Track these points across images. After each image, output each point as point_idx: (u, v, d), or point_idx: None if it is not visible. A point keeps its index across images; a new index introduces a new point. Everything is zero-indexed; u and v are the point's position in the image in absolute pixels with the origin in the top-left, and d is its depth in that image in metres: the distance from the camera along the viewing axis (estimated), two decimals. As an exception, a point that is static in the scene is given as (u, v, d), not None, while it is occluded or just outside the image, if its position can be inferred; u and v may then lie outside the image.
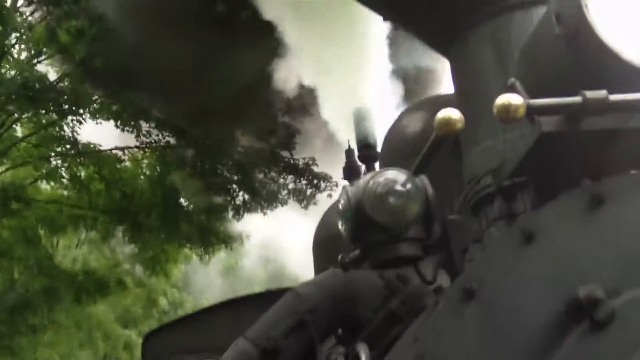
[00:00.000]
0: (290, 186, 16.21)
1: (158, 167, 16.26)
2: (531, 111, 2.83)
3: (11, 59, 14.68)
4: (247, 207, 16.35)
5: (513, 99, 2.81)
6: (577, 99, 2.80)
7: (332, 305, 3.76)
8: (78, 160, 15.76)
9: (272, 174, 16.06)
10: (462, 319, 2.74)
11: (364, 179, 3.14)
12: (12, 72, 14.58)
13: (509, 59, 3.65)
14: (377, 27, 5.48)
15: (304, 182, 16.01)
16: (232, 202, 16.34)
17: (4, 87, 13.57)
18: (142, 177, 16.65)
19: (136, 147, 16.23)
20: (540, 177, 3.15)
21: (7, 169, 16.03)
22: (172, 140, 15.89)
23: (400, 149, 4.59)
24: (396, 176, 3.09)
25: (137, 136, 15.78)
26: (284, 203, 16.25)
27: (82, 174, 16.02)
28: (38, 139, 15.74)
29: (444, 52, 4.13)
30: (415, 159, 3.47)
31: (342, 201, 3.15)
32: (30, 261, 16.05)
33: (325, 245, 5.56)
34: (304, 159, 15.77)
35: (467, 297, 2.74)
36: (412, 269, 3.28)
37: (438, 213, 3.11)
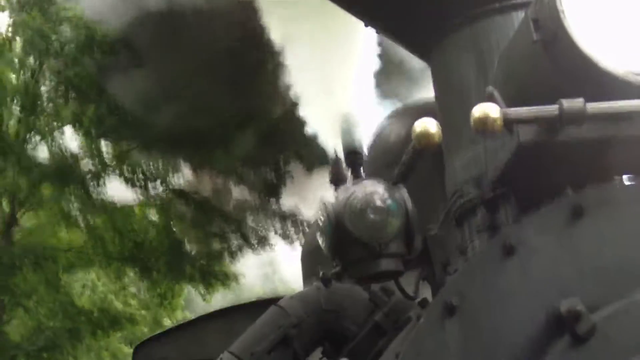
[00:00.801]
0: (279, 231, 19.11)
1: (164, 220, 19.15)
2: (509, 122, 2.79)
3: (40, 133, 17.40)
4: (241, 252, 19.30)
5: (490, 110, 2.76)
6: (554, 108, 2.76)
7: (316, 319, 3.72)
8: (94, 214, 18.32)
9: (262, 220, 19.17)
10: (443, 334, 2.71)
11: (343, 194, 3.10)
12: (38, 138, 17.17)
13: (489, 65, 3.60)
14: (363, 32, 5.44)
15: (290, 226, 18.96)
16: (228, 248, 19.20)
17: (39, 170, 16.53)
18: (150, 228, 19.24)
19: (144, 203, 18.98)
20: (521, 187, 3.11)
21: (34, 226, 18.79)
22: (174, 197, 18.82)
23: (384, 155, 4.56)
24: (375, 190, 3.05)
25: (146, 195, 18.55)
26: (271, 247, 19.47)
27: (98, 222, 18.51)
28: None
29: (426, 58, 4.10)
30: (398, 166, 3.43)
31: (322, 217, 3.12)
32: (55, 305, 18.46)
33: (313, 256, 5.51)
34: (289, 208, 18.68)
35: (449, 312, 2.71)
36: (392, 284, 3.25)
37: (418, 227, 3.08)
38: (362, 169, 5.90)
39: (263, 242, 19.16)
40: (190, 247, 19.47)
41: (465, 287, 2.73)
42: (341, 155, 6.28)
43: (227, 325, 5.33)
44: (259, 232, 19.11)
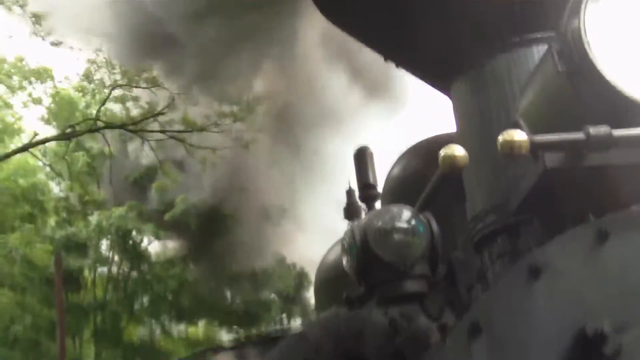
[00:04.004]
0: None
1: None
2: (535, 147, 2.83)
3: None
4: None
5: (517, 135, 2.81)
6: (580, 134, 2.81)
7: (336, 344, 3.70)
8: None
9: None
10: (470, 355, 2.72)
11: (368, 216, 3.13)
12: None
13: (510, 97, 3.67)
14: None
15: None
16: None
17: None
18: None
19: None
20: (544, 213, 3.14)
21: None
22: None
23: (401, 188, 4.59)
24: (401, 213, 3.07)
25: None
26: None
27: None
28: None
29: (446, 91, 4.16)
30: (416, 198, 3.46)
31: (347, 238, 3.14)
32: None
33: (326, 286, 5.51)
34: None
35: (475, 333, 2.72)
36: (417, 306, 3.25)
37: (443, 249, 3.10)
38: (376, 203, 5.93)
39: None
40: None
41: (492, 309, 2.74)
42: (355, 189, 6.32)
43: (240, 358, 5.33)
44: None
